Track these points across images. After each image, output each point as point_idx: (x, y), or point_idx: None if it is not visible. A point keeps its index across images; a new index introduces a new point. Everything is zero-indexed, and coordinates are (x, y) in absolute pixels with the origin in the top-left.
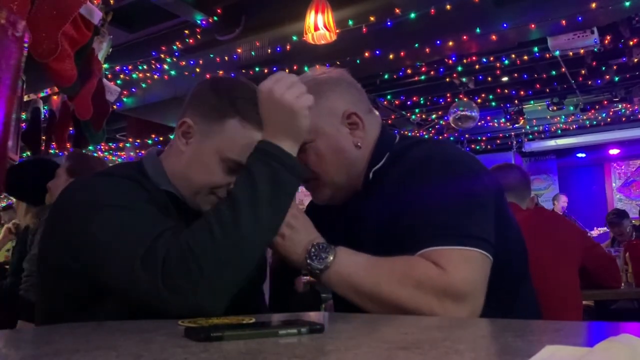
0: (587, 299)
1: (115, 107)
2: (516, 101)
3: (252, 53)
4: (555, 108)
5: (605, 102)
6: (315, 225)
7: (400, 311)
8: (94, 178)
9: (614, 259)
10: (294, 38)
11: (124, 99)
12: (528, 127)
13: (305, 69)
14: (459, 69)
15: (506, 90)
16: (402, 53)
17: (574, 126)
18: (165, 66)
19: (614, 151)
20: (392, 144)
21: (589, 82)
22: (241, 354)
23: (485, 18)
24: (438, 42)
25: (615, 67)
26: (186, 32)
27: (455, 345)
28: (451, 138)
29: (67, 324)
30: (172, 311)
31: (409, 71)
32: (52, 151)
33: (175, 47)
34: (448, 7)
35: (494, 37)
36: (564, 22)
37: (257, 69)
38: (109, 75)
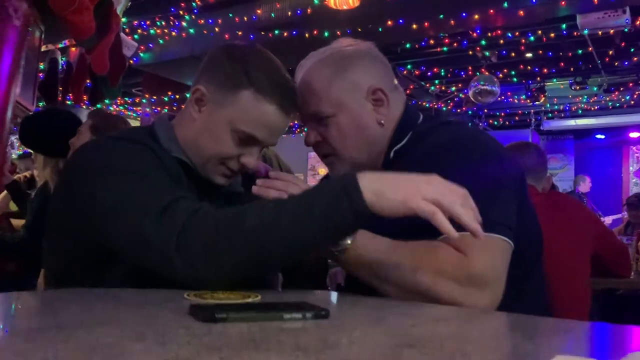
0: (596, 286)
1: (131, 61)
2: (538, 78)
3: (272, 15)
4: (577, 87)
5: (631, 84)
6: None
7: (419, 297)
8: (107, 141)
9: (625, 248)
10: (316, 2)
11: (141, 54)
12: (548, 105)
13: (326, 34)
14: (483, 42)
15: (529, 67)
16: (425, 24)
17: (596, 107)
18: (184, 23)
19: (634, 134)
20: (415, 123)
21: (616, 63)
22: (244, 340)
23: None
24: (464, 14)
25: None
26: None
27: (463, 346)
28: (469, 112)
29: (73, 290)
30: (176, 277)
31: (431, 42)
32: (68, 102)
33: (194, 4)
34: None
35: (521, 12)
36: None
37: (276, 31)
38: (127, 30)
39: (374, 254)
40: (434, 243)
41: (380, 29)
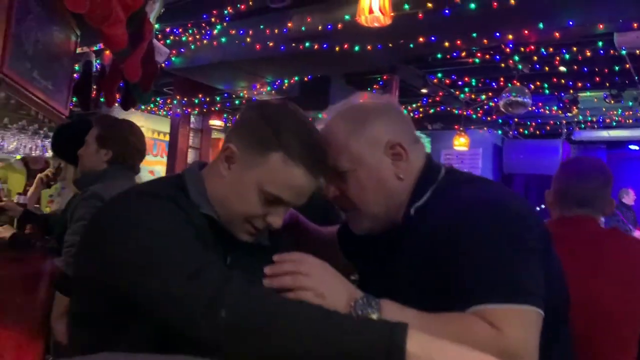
0: None
1: (163, 65)
2: (571, 91)
3: (302, 28)
4: (612, 101)
5: None
6: (354, 247)
7: None
8: (132, 196)
9: None
10: (347, 17)
11: (173, 58)
12: (581, 117)
13: (356, 48)
14: (516, 58)
15: (562, 81)
16: (458, 42)
17: (631, 120)
18: (215, 31)
19: None
20: (436, 177)
21: None
22: None
23: (549, 13)
24: (497, 34)
25: None
26: None
27: None
28: (499, 120)
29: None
30: (199, 340)
31: (463, 54)
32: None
33: (226, 12)
34: (512, 1)
35: (557, 34)
36: (635, 25)
37: (307, 44)
38: (159, 36)
39: None
40: (468, 317)
41: (411, 45)
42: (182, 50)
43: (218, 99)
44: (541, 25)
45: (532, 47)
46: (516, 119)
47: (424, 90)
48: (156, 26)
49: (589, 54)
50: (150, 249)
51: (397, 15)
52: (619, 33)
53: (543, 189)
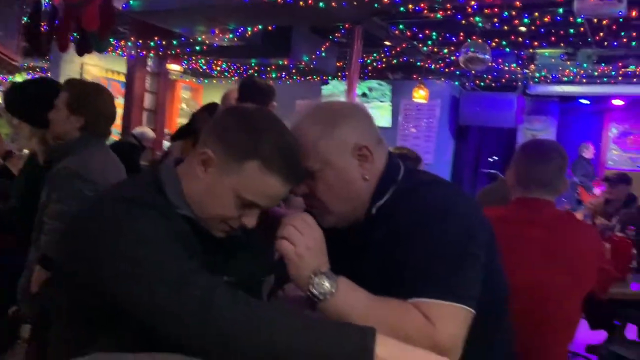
0: None
1: (120, 8)
2: (531, 50)
3: None
4: (568, 61)
5: (620, 64)
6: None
7: None
8: (112, 204)
9: (616, 277)
10: None
11: (130, 2)
12: (537, 74)
13: (321, 5)
14: (477, 19)
15: (520, 39)
16: (422, 4)
17: (584, 78)
18: None
19: (617, 102)
20: (396, 178)
21: (605, 43)
22: None
23: None
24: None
25: (634, 34)
26: None
27: None
28: (457, 72)
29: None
30: (184, 347)
31: (424, 10)
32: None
33: None
34: None
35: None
36: None
37: None
38: None
39: (351, 307)
40: (407, 307)
41: (376, 5)
42: None
43: (175, 42)
44: None
45: (495, 9)
46: (473, 71)
47: (387, 43)
48: None
49: (548, 19)
50: (138, 259)
51: None
52: (578, 0)
53: (497, 141)
